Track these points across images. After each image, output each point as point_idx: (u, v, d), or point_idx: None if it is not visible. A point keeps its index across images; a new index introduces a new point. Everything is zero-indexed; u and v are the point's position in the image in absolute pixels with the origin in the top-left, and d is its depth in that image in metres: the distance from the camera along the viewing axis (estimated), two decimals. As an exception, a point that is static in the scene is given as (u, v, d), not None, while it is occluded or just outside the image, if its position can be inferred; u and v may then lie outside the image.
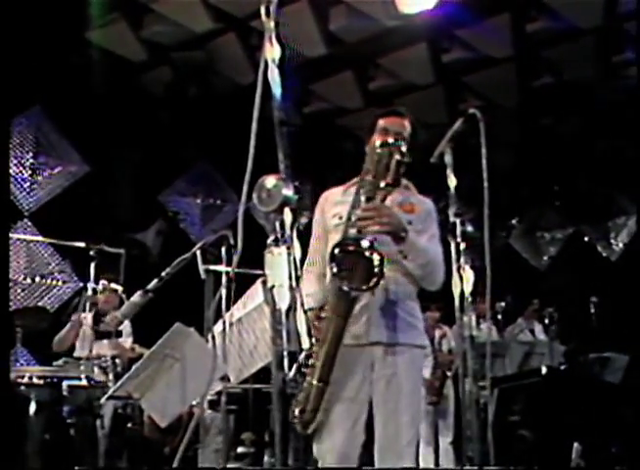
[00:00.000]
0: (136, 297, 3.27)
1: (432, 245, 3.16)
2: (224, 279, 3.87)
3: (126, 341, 6.15)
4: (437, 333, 7.42)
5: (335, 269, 2.73)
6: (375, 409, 3.04)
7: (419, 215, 3.18)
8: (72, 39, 7.97)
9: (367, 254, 2.76)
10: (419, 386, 3.17)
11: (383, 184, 2.93)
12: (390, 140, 2.99)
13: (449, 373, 7.24)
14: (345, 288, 2.75)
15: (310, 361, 2.82)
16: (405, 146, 3.05)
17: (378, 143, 3.00)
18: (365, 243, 2.78)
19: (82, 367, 5.24)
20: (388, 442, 3.00)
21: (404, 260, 3.04)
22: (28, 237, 7.94)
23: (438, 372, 7.29)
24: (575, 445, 5.63)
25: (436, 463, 7.07)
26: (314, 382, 2.82)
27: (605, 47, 8.12)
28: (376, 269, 2.74)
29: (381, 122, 3.28)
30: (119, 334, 5.86)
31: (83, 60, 8.10)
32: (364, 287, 2.75)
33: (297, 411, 2.84)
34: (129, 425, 5.00)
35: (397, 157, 2.93)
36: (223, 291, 3.48)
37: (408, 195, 3.25)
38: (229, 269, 3.79)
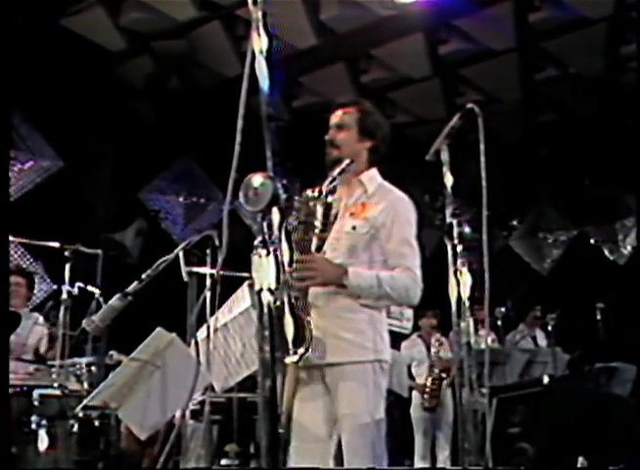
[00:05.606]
0: (114, 300, 3.27)
1: (395, 260, 3.05)
2: (208, 282, 3.89)
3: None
4: (434, 339, 7.46)
5: None
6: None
7: (374, 216, 3.07)
8: (46, 25, 7.97)
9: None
10: (369, 403, 2.99)
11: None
12: None
13: (445, 375, 7.27)
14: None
15: None
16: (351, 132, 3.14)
17: None
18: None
19: (55, 375, 5.23)
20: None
21: (359, 300, 3.01)
22: (-3, 237, 7.89)
23: (434, 373, 7.32)
24: (580, 460, 5.66)
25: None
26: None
27: (615, 38, 8.15)
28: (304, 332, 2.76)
29: None
30: (97, 340, 5.86)
31: (57, 47, 8.08)
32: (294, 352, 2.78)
33: None
34: (105, 436, 5.00)
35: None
36: (207, 294, 3.49)
37: (360, 194, 3.16)
38: (213, 272, 3.81)
